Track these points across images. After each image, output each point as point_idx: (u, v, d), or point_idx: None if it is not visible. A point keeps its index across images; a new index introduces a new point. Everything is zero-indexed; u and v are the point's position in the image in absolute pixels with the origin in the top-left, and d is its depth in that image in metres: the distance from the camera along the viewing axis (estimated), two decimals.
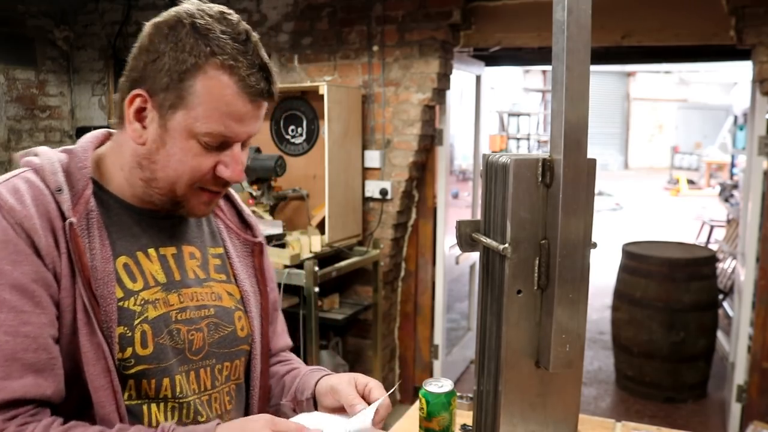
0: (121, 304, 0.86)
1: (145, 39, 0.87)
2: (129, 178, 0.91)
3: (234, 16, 0.88)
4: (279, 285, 2.78)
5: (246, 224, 1.12)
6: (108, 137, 0.97)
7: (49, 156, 0.88)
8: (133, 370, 0.86)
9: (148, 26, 0.88)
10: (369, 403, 0.95)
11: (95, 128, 1.00)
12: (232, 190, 1.10)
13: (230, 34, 0.85)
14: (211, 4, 0.89)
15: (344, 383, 1.01)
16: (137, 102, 0.87)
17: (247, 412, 1.04)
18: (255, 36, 0.89)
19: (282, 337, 1.20)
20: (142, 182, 0.90)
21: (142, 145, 0.88)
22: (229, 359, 0.99)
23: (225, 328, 0.98)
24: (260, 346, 1.04)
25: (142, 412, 0.87)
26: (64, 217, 0.83)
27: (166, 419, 0.89)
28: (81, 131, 3.97)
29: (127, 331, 0.86)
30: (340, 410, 1.00)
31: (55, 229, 0.82)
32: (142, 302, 0.89)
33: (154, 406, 0.88)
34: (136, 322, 0.87)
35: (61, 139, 4.12)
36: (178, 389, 0.90)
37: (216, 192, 0.93)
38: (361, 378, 1.02)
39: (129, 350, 0.86)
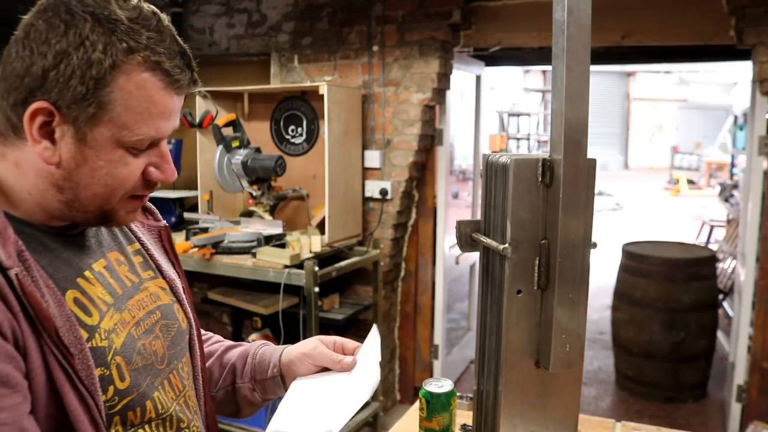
0: (90, 344, 0.77)
1: (35, 36, 0.72)
2: (41, 201, 0.78)
3: None
4: (279, 285, 2.79)
5: (145, 209, 1.04)
6: None
7: None
8: (118, 407, 0.80)
9: (31, 19, 0.74)
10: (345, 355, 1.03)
11: None
12: None
13: (139, 21, 0.74)
14: None
15: (316, 347, 1.03)
16: (41, 117, 0.72)
17: (197, 399, 1.00)
18: (165, 17, 0.78)
19: None
20: (61, 204, 0.78)
21: (56, 165, 0.75)
22: (183, 354, 0.96)
23: (173, 327, 0.94)
24: (195, 330, 1.01)
25: None
26: (1, 270, 0.69)
27: None
28: None
29: (105, 371, 0.78)
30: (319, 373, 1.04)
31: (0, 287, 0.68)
32: (106, 334, 0.80)
33: (141, 431, 0.84)
34: (109, 357, 0.79)
35: None
36: (160, 407, 0.86)
37: (144, 196, 0.85)
38: (324, 338, 1.06)
39: (111, 389, 0.79)
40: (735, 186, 7.42)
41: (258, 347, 1.10)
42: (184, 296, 1.00)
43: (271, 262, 2.80)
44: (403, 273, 3.62)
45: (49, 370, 0.71)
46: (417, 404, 1.22)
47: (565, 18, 0.75)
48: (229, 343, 1.15)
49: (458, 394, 1.47)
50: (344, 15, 3.38)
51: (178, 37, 0.78)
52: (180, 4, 3.74)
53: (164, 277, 0.98)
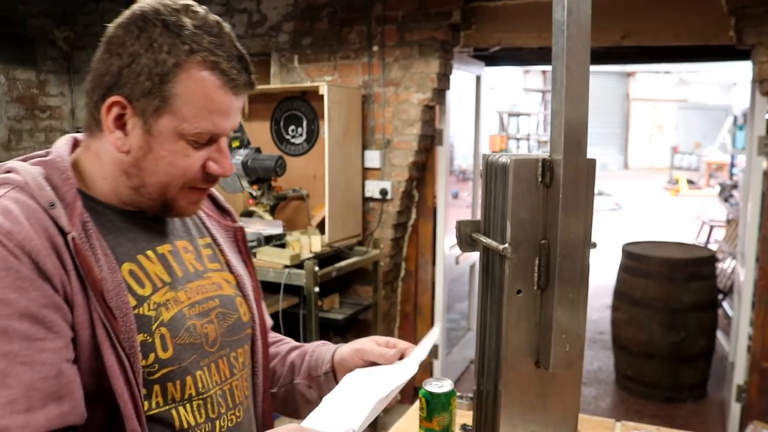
0: (136, 311, 0.85)
1: (114, 40, 0.84)
2: (114, 186, 0.89)
3: (200, 8, 0.86)
4: (279, 285, 2.79)
5: (223, 210, 1.12)
6: (76, 142, 0.94)
7: (30, 171, 0.83)
8: (157, 375, 0.86)
9: (113, 28, 0.85)
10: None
11: None
12: None
13: (203, 27, 0.83)
14: None
15: (367, 343, 1.07)
16: (115, 110, 0.83)
17: (254, 395, 1.05)
18: (227, 26, 0.87)
19: (267, 318, 1.22)
20: (130, 190, 0.88)
21: (126, 153, 0.85)
22: (240, 345, 1.01)
23: (231, 316, 0.99)
24: (260, 327, 1.06)
25: (172, 417, 0.88)
26: (62, 233, 0.79)
27: (194, 419, 0.90)
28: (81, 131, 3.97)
29: (148, 338, 0.85)
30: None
31: (57, 247, 0.78)
32: (155, 306, 0.88)
33: (181, 408, 0.89)
34: (154, 326, 0.86)
35: None
36: (200, 385, 0.91)
37: (204, 189, 0.93)
38: (378, 338, 1.09)
39: (152, 356, 0.85)
40: (735, 186, 7.43)
41: (316, 346, 1.16)
42: (251, 293, 1.06)
43: (271, 262, 2.80)
44: (403, 273, 3.61)
45: (93, 326, 0.79)
46: (417, 404, 1.22)
47: (565, 18, 0.75)
48: (295, 344, 1.21)
49: (458, 394, 1.47)
50: (344, 15, 3.38)
51: (237, 43, 0.87)
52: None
53: (232, 272, 1.04)
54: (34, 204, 0.79)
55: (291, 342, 1.22)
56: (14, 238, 0.75)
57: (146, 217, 0.93)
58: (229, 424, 0.96)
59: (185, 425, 0.89)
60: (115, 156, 0.86)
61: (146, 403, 0.85)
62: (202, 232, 1.04)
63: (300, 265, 2.78)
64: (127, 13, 0.84)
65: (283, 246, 2.94)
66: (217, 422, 0.93)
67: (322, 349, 1.14)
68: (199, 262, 0.99)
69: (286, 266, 2.76)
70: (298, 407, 1.15)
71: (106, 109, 0.83)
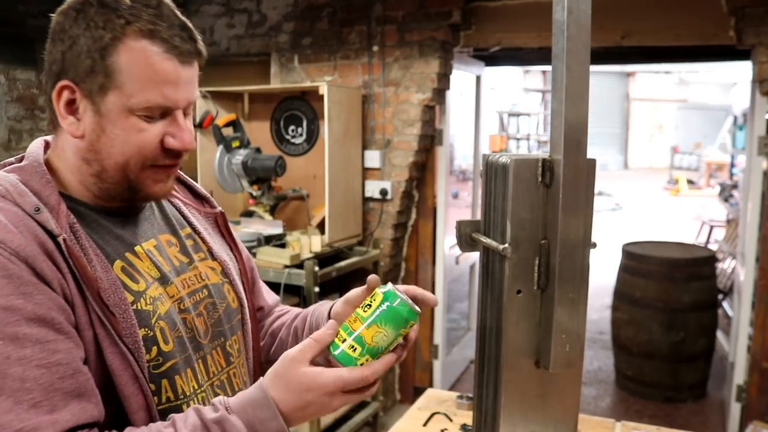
0: (134, 307, 0.86)
1: (56, 28, 0.83)
2: (81, 179, 0.88)
3: None
4: (279, 285, 2.79)
5: (201, 198, 1.12)
6: (47, 144, 0.93)
7: (7, 179, 0.82)
8: (163, 368, 0.87)
9: (55, 16, 0.84)
10: None
11: None
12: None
13: (140, 2, 0.82)
14: None
15: (352, 293, 1.05)
16: (65, 94, 0.82)
17: (249, 376, 1.07)
18: (168, 1, 0.86)
19: (270, 295, 1.24)
20: (93, 178, 0.87)
21: (81, 138, 0.84)
22: (234, 333, 1.02)
23: (221, 305, 1.00)
24: (248, 309, 1.07)
25: (182, 411, 0.89)
26: (52, 237, 0.79)
27: None
28: None
29: (149, 332, 0.86)
30: None
31: (50, 251, 0.78)
32: (151, 300, 0.88)
33: (192, 403, 0.91)
34: (153, 320, 0.87)
35: None
36: (199, 377, 0.93)
37: (169, 166, 0.90)
38: (359, 288, 1.01)
39: (154, 349, 0.86)
40: (734, 186, 7.43)
41: (316, 307, 1.17)
42: (236, 278, 1.06)
43: (271, 262, 2.80)
44: (403, 273, 3.61)
45: (93, 326, 0.80)
46: (416, 404, 1.22)
47: (565, 18, 0.75)
48: (299, 311, 1.21)
49: (458, 394, 1.47)
50: (344, 15, 3.38)
51: (179, 14, 0.85)
52: (180, 5, 3.73)
53: (215, 259, 1.04)
54: (19, 211, 0.79)
55: (296, 310, 1.23)
56: (8, 246, 0.75)
57: (128, 214, 0.93)
58: None
59: None
60: (73, 144, 0.85)
61: (155, 398, 0.85)
62: (181, 223, 1.04)
63: (300, 265, 2.78)
64: (67, 0, 0.83)
65: (283, 246, 2.94)
66: None
67: (320, 309, 1.15)
68: (183, 254, 0.99)
69: (286, 266, 2.76)
70: None
71: (56, 96, 0.82)
